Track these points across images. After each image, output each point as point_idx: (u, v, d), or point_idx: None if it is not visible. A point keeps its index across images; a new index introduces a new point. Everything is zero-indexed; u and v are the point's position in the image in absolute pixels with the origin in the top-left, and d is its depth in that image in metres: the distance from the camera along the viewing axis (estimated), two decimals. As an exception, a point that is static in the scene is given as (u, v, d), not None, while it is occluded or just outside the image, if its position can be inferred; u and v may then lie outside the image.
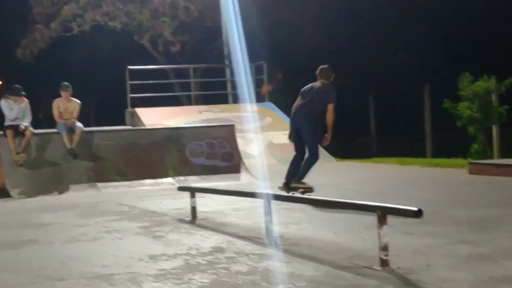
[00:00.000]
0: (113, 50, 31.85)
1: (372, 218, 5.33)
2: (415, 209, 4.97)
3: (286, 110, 21.64)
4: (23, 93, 13.40)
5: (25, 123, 13.19)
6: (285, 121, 20.58)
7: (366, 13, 30.49)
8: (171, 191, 11.47)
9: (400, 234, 6.44)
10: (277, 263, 5.56)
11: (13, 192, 12.35)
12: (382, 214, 5.17)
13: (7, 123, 13.14)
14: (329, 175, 14.42)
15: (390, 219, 5.37)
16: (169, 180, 13.44)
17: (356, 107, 29.00)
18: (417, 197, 9.67)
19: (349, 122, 31.22)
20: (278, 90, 31.27)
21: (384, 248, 5.14)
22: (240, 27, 21.77)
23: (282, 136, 19.49)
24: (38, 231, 7.95)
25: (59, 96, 13.58)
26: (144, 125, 18.46)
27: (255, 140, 18.93)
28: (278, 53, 29.59)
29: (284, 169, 16.17)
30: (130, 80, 20.79)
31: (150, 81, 22.37)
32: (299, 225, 7.55)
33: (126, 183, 12.99)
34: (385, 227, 5.15)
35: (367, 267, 5.19)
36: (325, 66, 10.46)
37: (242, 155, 15.20)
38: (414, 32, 30.89)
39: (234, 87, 22.70)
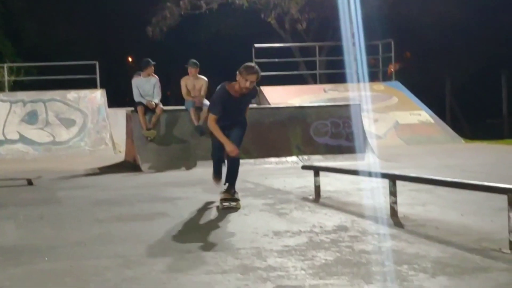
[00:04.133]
0: (240, 28, 32.30)
1: (502, 201, 5.24)
2: (548, 192, 4.85)
3: (413, 89, 21.35)
4: (153, 63, 13.85)
5: (155, 100, 13.66)
6: (413, 101, 20.30)
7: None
8: (295, 169, 11.60)
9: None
10: (402, 244, 5.56)
11: (143, 166, 12.86)
12: (513, 196, 5.07)
13: (137, 99, 13.64)
14: (457, 156, 14.14)
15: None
16: (293, 159, 13.57)
17: (487, 86, 28.12)
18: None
19: (479, 102, 30.40)
20: (405, 69, 30.83)
21: (514, 231, 5.05)
22: (357, 5, 21.53)
23: (409, 116, 19.28)
24: (168, 205, 8.28)
25: (187, 73, 13.94)
26: (269, 104, 18.70)
27: (380, 120, 18.79)
28: (407, 30, 29.07)
29: (410, 150, 16.00)
30: (256, 58, 21.07)
31: (276, 60, 22.56)
32: (425, 206, 7.49)
33: (251, 161, 13.18)
34: (515, 210, 5.05)
35: (496, 250, 5.12)
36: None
37: (367, 135, 15.11)
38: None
39: (360, 66, 22.53)
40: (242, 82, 7.77)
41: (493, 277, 4.41)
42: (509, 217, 5.09)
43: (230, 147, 7.81)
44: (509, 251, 5.03)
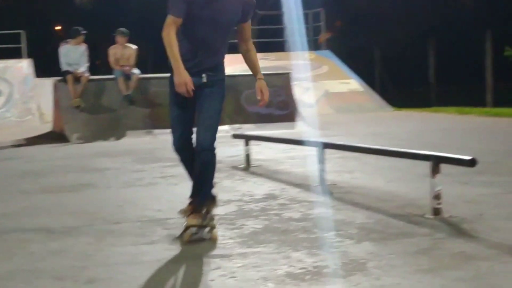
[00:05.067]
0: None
1: (427, 167, 5.33)
2: (469, 158, 4.97)
3: (344, 58, 21.52)
4: (83, 32, 13.63)
5: (81, 68, 13.43)
6: (343, 69, 20.49)
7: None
8: (226, 138, 11.55)
9: (455, 183, 6.43)
10: (329, 211, 5.63)
11: (71, 137, 12.68)
12: (436, 163, 5.18)
13: (65, 68, 13.39)
14: (386, 124, 14.37)
15: (447, 168, 5.38)
16: (225, 128, 13.51)
17: (415, 55, 28.57)
18: (475, 147, 9.58)
19: (408, 70, 30.88)
20: (336, 38, 31.01)
21: (437, 197, 5.16)
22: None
23: (339, 85, 19.47)
24: (96, 176, 8.18)
25: (115, 42, 13.75)
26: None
27: (311, 89, 18.91)
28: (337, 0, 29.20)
29: (340, 118, 16.18)
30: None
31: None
32: (352, 174, 7.60)
33: (182, 130, 13.09)
34: (438, 176, 5.16)
35: (419, 216, 5.23)
36: None
37: (298, 103, 15.20)
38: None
39: (291, 34, 22.55)
40: None
41: (415, 242, 4.51)
42: (431, 183, 5.20)
43: (179, 78, 4.63)
44: (431, 217, 5.15)
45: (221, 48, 4.87)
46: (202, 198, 4.86)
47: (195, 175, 4.90)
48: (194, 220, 4.78)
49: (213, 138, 4.80)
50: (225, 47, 4.91)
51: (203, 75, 4.79)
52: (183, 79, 4.60)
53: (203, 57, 4.78)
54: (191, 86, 4.62)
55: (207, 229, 4.84)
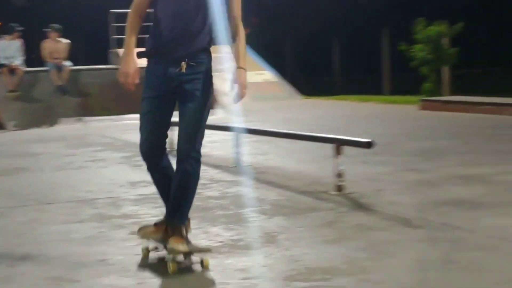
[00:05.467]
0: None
1: (331, 149, 5.39)
2: (367, 140, 5.06)
3: (259, 52, 21.54)
4: (18, 29, 13.32)
5: (17, 61, 13.13)
6: (258, 62, 20.51)
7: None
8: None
9: (356, 163, 6.51)
10: (245, 189, 5.63)
11: (7, 124, 12.37)
12: (338, 145, 5.24)
13: (2, 61, 13.11)
14: (296, 111, 14.47)
15: (349, 150, 5.45)
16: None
17: (322, 48, 28.97)
18: (374, 131, 9.74)
19: (315, 62, 31.27)
20: (253, 33, 31.05)
21: (339, 175, 5.23)
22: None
23: (255, 76, 19.46)
24: (30, 160, 7.93)
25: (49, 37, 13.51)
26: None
27: (229, 80, 18.88)
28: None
29: (257, 106, 16.20)
30: (116, 22, 20.42)
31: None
32: (266, 156, 7.62)
33: (111, 117, 12.97)
34: (341, 157, 5.23)
35: (324, 192, 5.29)
36: None
37: (218, 92, 15.13)
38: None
39: (212, 29, 22.33)
40: None
41: (321, 215, 4.55)
42: (335, 163, 5.26)
43: (124, 65, 3.52)
44: (335, 193, 5.21)
45: (203, 30, 3.67)
46: (182, 218, 3.61)
47: (173, 189, 3.62)
48: (180, 246, 3.48)
49: (196, 144, 3.64)
50: (209, 29, 3.72)
51: (182, 63, 3.59)
52: (127, 69, 3.50)
53: (180, 41, 3.58)
54: (134, 79, 3.51)
55: (198, 256, 3.58)
